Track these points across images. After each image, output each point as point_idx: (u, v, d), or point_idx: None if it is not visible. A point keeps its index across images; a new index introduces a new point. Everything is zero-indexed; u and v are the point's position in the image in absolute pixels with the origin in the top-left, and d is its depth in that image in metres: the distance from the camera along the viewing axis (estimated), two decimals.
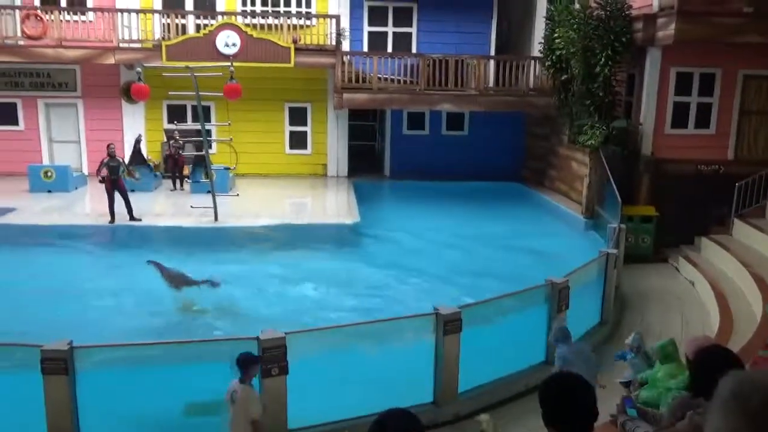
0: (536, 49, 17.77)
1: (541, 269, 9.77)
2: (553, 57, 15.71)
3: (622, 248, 10.99)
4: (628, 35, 13.71)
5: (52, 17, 16.70)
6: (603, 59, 13.76)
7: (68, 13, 17.15)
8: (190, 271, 10.22)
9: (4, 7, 16.91)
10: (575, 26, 14.26)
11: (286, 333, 6.16)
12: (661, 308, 10.85)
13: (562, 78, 15.67)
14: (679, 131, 13.83)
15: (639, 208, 13.40)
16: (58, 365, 5.67)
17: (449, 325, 6.95)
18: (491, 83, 17.86)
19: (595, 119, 14.11)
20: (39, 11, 16.80)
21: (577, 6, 15.10)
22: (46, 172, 16.12)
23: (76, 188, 16.50)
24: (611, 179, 13.00)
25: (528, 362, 8.09)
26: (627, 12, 13.84)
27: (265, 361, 6.00)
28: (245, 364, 5.38)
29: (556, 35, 15.18)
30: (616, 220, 11.80)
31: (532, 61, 17.57)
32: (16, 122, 18.40)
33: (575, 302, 8.33)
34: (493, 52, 18.95)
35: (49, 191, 15.82)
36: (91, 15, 17.27)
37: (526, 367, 8.01)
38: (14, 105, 18.32)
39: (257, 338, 6.09)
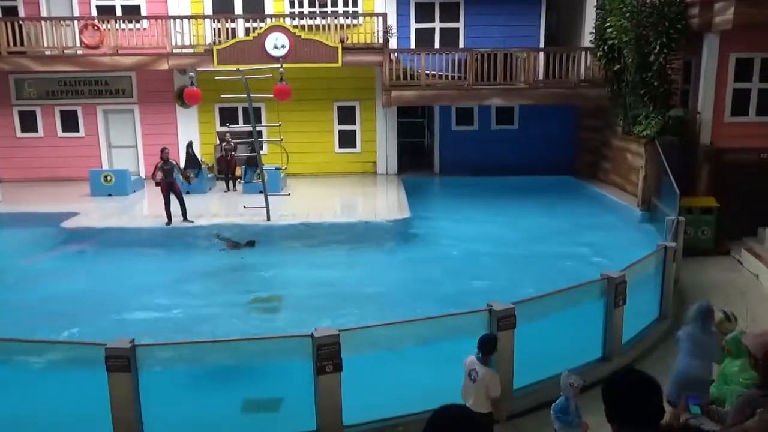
0: (587, 39, 17.39)
1: (597, 264, 9.56)
2: (605, 47, 15.35)
3: (680, 241, 10.65)
4: (684, 21, 13.30)
5: (109, 26, 17.25)
6: (657, 47, 13.40)
7: (123, 22, 17.70)
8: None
9: (64, 19, 17.57)
10: (628, 14, 13.91)
11: (339, 330, 6.20)
12: (724, 302, 10.31)
13: (615, 68, 15.30)
14: (739, 119, 13.32)
15: (698, 200, 12.97)
16: (121, 363, 5.86)
17: (503, 321, 6.88)
18: (541, 76, 17.60)
19: (650, 109, 13.74)
20: (96, 21, 17.38)
21: None
22: (106, 177, 16.67)
23: (134, 191, 17.01)
24: (668, 170, 12.62)
25: (584, 359, 7.94)
26: None
27: (319, 358, 6.07)
28: (487, 346, 5.79)
29: (607, 24, 14.84)
30: (674, 212, 11.45)
31: (583, 52, 17.24)
32: (77, 129, 19.11)
33: (633, 297, 8.14)
34: (542, 45, 18.68)
35: (109, 195, 16.37)
36: (145, 23, 17.76)
37: (583, 363, 7.86)
38: (75, 112, 19.03)
39: (311, 335, 6.15)
